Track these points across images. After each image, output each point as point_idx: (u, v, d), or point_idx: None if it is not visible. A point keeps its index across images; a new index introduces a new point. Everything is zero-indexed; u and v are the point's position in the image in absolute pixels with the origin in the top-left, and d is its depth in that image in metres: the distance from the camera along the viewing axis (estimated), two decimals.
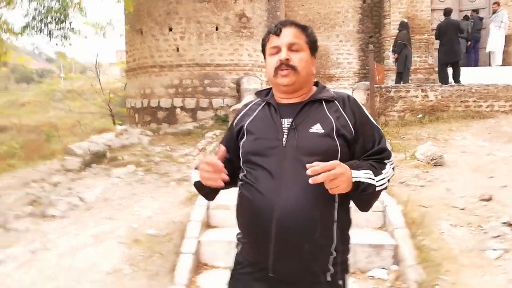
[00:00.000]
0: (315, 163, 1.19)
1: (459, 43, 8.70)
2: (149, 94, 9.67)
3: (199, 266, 3.16)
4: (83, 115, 17.01)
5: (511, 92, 7.64)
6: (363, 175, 1.28)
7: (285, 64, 1.36)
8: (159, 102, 9.47)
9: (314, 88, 1.48)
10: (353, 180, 1.25)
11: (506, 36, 10.57)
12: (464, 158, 5.25)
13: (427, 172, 4.71)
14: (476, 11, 10.23)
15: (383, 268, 3.07)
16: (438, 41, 8.90)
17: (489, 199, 3.80)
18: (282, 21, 1.43)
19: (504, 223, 3.36)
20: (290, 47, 1.38)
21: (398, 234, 3.18)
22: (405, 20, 9.64)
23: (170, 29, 9.36)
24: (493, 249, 3.05)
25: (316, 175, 1.18)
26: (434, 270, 2.83)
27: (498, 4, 9.78)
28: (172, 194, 4.69)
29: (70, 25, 7.14)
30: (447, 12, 8.79)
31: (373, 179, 1.30)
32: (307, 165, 1.19)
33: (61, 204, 4.39)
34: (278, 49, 1.39)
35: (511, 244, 3.10)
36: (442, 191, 4.13)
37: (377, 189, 1.31)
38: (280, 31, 1.39)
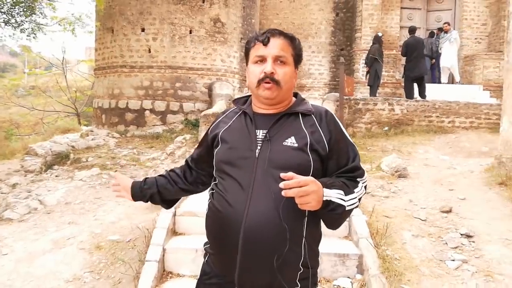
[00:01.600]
0: (290, 173, 1.17)
1: (425, 60, 9.11)
2: (117, 95, 9.43)
3: (164, 274, 3.08)
4: (47, 113, 16.33)
5: (472, 109, 8.05)
6: (334, 195, 1.26)
7: (269, 78, 1.33)
8: (127, 103, 9.26)
9: (293, 100, 1.45)
10: (324, 199, 1.23)
11: (467, 56, 11.17)
12: (426, 171, 5.46)
13: (391, 183, 4.86)
14: (441, 29, 10.73)
15: (348, 277, 3.12)
16: (403, 58, 9.33)
17: (449, 211, 3.96)
18: (271, 30, 1.38)
19: (462, 234, 3.51)
20: (277, 59, 1.34)
21: (363, 243, 3.24)
22: (380, 34, 9.92)
23: (143, 29, 9.20)
24: (452, 260, 3.17)
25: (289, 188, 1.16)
26: (397, 279, 2.90)
27: (448, 24, 10.54)
28: None
29: (42, 14, 6.92)
30: (413, 30, 9.23)
31: (344, 200, 1.28)
32: (281, 175, 1.17)
33: (20, 207, 4.18)
34: (263, 59, 1.35)
35: (469, 255, 3.24)
36: (405, 202, 4.26)
37: (347, 209, 1.29)
38: (268, 40, 1.34)
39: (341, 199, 1.27)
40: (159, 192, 1.60)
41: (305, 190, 1.16)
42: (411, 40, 9.00)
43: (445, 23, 10.63)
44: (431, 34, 10.81)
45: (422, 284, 2.88)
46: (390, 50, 11.30)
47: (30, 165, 5.91)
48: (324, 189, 1.23)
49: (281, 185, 1.15)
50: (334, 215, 1.28)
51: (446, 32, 10.24)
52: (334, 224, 1.36)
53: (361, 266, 3.14)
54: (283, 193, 1.16)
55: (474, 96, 9.27)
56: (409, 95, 8.91)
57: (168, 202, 1.66)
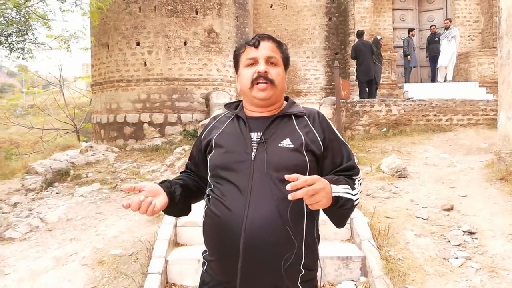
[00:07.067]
0: (294, 175, 1.13)
1: (374, 63, 9.34)
2: (115, 109, 9.47)
3: (167, 286, 3.07)
4: (46, 131, 16.37)
5: (469, 106, 8.06)
6: (342, 190, 1.26)
7: (263, 77, 1.35)
8: (125, 117, 9.29)
9: (284, 103, 1.48)
10: (333, 195, 1.23)
11: (461, 54, 11.21)
12: (426, 170, 5.45)
13: (392, 184, 4.85)
14: (433, 26, 10.86)
15: (352, 280, 3.10)
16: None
17: (450, 209, 3.95)
18: (260, 34, 1.43)
19: (465, 231, 3.50)
20: (268, 61, 1.37)
21: (365, 245, 3.23)
22: (379, 37, 10.06)
23: (138, 43, 9.27)
24: (456, 257, 3.16)
25: (296, 190, 1.11)
26: (401, 280, 2.89)
27: (450, 20, 10.47)
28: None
29: (34, 35, 6.94)
30: (360, 34, 9.57)
31: (351, 194, 1.29)
32: (286, 177, 1.13)
33: (21, 226, 4.17)
34: (255, 61, 1.38)
35: (473, 251, 3.23)
36: (407, 202, 4.25)
37: (355, 203, 1.31)
38: (259, 43, 1.38)
39: (349, 193, 1.28)
40: (185, 190, 1.49)
41: (313, 188, 1.13)
42: (359, 44, 9.26)
43: (446, 19, 10.66)
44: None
45: (427, 283, 2.87)
46: (384, 52, 11.36)
47: (30, 184, 5.91)
48: (332, 185, 1.23)
49: (288, 187, 1.11)
50: (344, 210, 1.28)
51: (446, 28, 10.18)
52: (342, 221, 1.36)
53: (364, 268, 3.13)
54: (289, 196, 1.11)
55: (471, 93, 9.30)
56: (364, 95, 9.24)
57: (185, 208, 1.55)
